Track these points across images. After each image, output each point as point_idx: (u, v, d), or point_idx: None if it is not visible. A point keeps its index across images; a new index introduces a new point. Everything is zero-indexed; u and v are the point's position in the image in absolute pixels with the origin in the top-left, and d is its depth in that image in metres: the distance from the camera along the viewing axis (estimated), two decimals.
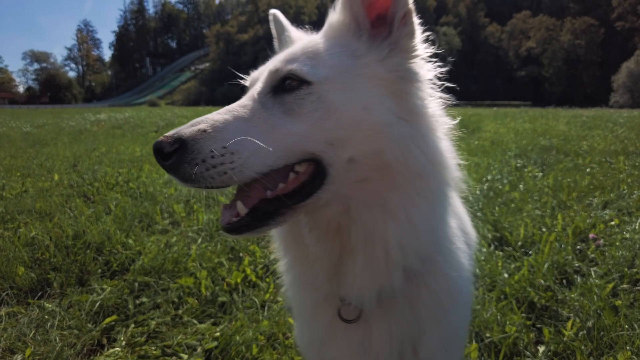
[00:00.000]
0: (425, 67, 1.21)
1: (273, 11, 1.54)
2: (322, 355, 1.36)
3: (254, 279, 3.10)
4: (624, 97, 65.89)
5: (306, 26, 1.45)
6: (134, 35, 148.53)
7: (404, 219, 1.09)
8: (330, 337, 1.31)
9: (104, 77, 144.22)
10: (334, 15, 1.22)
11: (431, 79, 1.22)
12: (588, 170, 6.64)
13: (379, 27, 1.17)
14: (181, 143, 1.00)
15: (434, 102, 1.21)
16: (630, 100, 63.22)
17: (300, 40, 1.33)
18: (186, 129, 1.02)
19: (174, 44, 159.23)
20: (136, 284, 2.99)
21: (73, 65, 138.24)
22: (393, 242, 1.10)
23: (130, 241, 3.63)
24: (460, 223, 1.37)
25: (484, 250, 3.52)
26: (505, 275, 3.07)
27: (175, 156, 1.00)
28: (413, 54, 1.17)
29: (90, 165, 7.52)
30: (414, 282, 1.19)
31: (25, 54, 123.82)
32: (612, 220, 4.13)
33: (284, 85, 1.11)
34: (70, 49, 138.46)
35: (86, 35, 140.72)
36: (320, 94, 1.08)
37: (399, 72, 1.14)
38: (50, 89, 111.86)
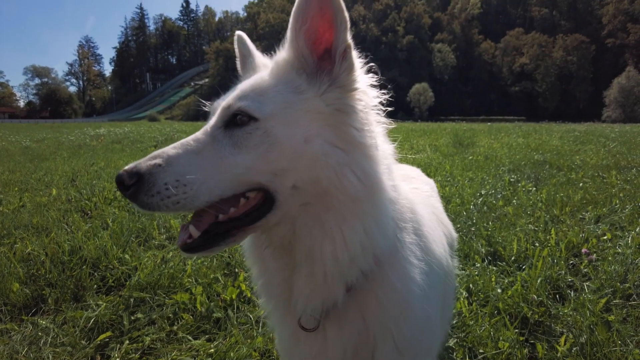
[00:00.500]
0: (366, 97, 1.30)
1: (239, 33, 1.63)
2: None
3: (249, 294, 3.11)
4: (616, 111, 66.77)
5: (272, 52, 1.50)
6: (135, 51, 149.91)
7: (338, 238, 1.21)
8: (294, 345, 1.42)
9: (104, 92, 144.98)
10: (281, 54, 1.33)
11: (374, 107, 1.32)
12: (581, 184, 6.72)
13: (327, 60, 1.28)
14: (139, 177, 1.12)
15: (372, 130, 1.29)
16: (622, 115, 64.06)
17: (262, 69, 1.47)
18: (144, 163, 1.15)
19: (174, 60, 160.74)
20: (132, 300, 3.00)
21: (74, 80, 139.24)
22: (329, 258, 1.21)
23: (127, 256, 3.65)
24: (420, 241, 1.44)
25: (478, 265, 3.55)
26: (499, 290, 3.09)
27: (134, 188, 1.12)
28: (352, 87, 1.26)
29: (88, 180, 7.54)
30: (361, 295, 1.30)
31: (27, 69, 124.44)
32: (604, 234, 4.18)
33: (235, 120, 1.22)
34: (71, 65, 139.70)
35: (87, 51, 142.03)
36: (267, 129, 1.19)
37: (336, 105, 1.24)
38: (50, 103, 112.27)
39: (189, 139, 1.22)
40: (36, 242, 3.97)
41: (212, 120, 1.28)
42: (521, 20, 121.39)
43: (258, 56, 1.55)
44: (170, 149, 1.18)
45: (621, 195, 5.83)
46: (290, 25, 1.27)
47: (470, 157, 10.48)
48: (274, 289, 1.38)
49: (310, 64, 1.28)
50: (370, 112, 1.30)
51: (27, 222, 4.73)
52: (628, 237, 4.01)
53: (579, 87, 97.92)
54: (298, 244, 1.25)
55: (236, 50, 1.63)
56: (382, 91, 1.34)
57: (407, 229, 1.39)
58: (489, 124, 38.26)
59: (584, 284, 3.18)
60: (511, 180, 7.30)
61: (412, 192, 1.63)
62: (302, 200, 1.22)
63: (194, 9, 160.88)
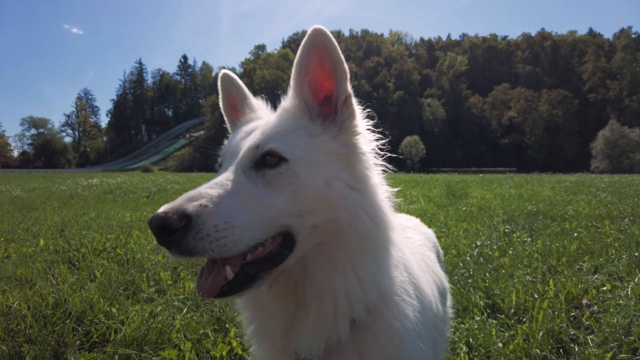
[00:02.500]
0: (367, 141, 1.42)
1: (225, 71, 1.66)
2: None
3: (240, 351, 2.96)
4: (604, 162, 68.47)
5: (262, 95, 1.63)
6: (132, 104, 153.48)
7: (350, 274, 1.25)
8: None
9: (99, 143, 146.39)
10: (288, 101, 1.43)
11: (373, 150, 1.43)
12: (575, 234, 6.71)
13: (327, 106, 1.39)
14: (188, 219, 1.06)
15: (376, 171, 1.41)
16: (609, 165, 65.65)
17: (264, 115, 1.56)
18: (188, 205, 1.09)
19: (170, 113, 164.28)
20: (116, 357, 2.83)
21: (70, 131, 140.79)
22: (340, 294, 1.24)
23: (114, 310, 3.50)
24: (412, 278, 1.50)
25: (477, 318, 3.44)
26: (500, 344, 2.98)
27: (181, 231, 1.06)
28: (356, 131, 1.38)
29: (78, 231, 7.41)
30: (360, 331, 1.31)
31: (24, 119, 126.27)
32: (603, 285, 4.11)
33: (265, 161, 1.26)
34: (68, 116, 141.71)
35: (85, 103, 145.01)
36: (295, 170, 1.25)
37: (348, 147, 1.35)
38: (44, 153, 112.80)
39: (222, 178, 1.22)
40: (18, 295, 3.81)
41: (238, 160, 1.29)
42: (507, 76, 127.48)
43: (252, 97, 1.64)
44: (209, 190, 1.16)
45: (616, 245, 5.82)
46: (293, 76, 1.38)
47: (464, 208, 10.52)
48: (271, 331, 1.35)
49: (315, 110, 1.39)
50: (371, 153, 1.41)
51: (11, 273, 4.57)
52: (628, 288, 3.94)
53: (566, 139, 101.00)
54: (309, 282, 1.27)
55: (220, 88, 1.66)
56: (379, 137, 1.45)
57: (398, 267, 1.44)
58: (480, 175, 38.85)
59: (588, 337, 3.07)
60: (506, 230, 7.29)
61: (404, 240, 1.67)
62: (318, 239, 1.27)
63: (192, 64, 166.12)
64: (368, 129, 1.43)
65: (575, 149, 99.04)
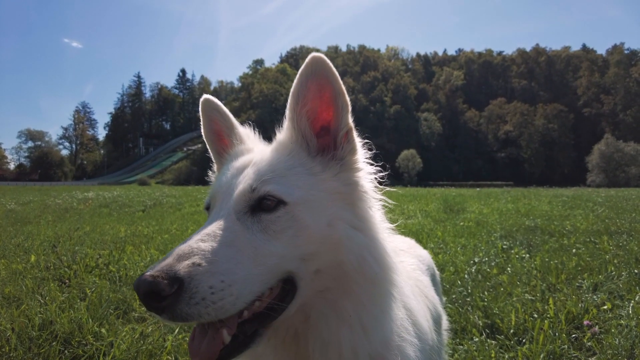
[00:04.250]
0: (368, 177, 1.34)
1: (207, 97, 1.54)
2: None
3: None
4: (600, 176, 68.77)
5: (250, 122, 1.53)
6: (130, 117, 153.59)
7: (357, 325, 1.17)
8: None
9: (96, 156, 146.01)
10: (283, 134, 1.34)
11: (373, 186, 1.34)
12: (574, 250, 6.65)
13: (324, 137, 1.30)
14: (180, 283, 0.95)
15: (377, 208, 1.33)
16: (605, 179, 65.92)
17: (253, 146, 1.45)
18: (179, 265, 0.98)
19: (168, 126, 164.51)
20: None
21: (67, 144, 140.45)
22: (346, 347, 1.16)
23: (104, 330, 3.39)
24: (410, 314, 1.42)
25: (476, 339, 3.36)
26: None
27: (172, 297, 0.94)
28: (357, 167, 1.30)
29: (71, 246, 7.29)
30: None
31: (21, 132, 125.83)
32: (604, 304, 4.04)
33: (261, 205, 1.17)
34: (66, 129, 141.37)
35: (83, 116, 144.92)
36: (294, 214, 1.16)
37: (350, 185, 1.27)
38: (41, 166, 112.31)
39: (214, 227, 1.10)
40: (4, 314, 3.70)
41: (232, 204, 1.18)
42: (503, 90, 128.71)
43: (239, 126, 1.53)
44: (201, 243, 1.04)
45: (615, 261, 5.76)
46: (289, 106, 1.28)
47: (462, 223, 10.46)
48: None
49: (314, 144, 1.30)
50: (372, 190, 1.33)
51: None
52: (629, 307, 3.87)
53: (562, 153, 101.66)
54: (312, 333, 1.19)
55: (202, 115, 1.54)
56: (376, 165, 1.37)
57: (397, 304, 1.35)
58: (477, 189, 38.87)
59: (590, 359, 3.00)
60: (504, 247, 7.22)
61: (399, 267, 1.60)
62: (322, 285, 1.19)
63: (190, 78, 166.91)
64: (367, 162, 1.35)
65: (571, 163, 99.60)
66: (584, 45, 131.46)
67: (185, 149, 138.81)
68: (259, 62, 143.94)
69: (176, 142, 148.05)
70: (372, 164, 1.36)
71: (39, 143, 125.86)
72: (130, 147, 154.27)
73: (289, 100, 1.29)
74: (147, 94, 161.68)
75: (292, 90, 1.27)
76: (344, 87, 1.24)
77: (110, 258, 6.21)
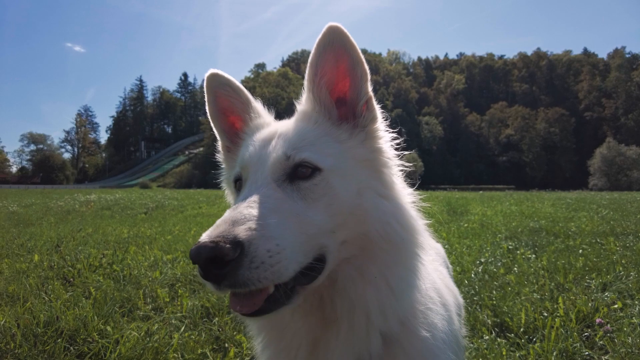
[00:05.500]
0: (390, 144, 1.34)
1: (214, 71, 1.46)
2: None
3: None
4: (602, 180, 68.63)
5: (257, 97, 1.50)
6: (131, 121, 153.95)
7: (383, 286, 1.16)
8: None
9: (97, 159, 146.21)
10: (305, 105, 1.33)
11: (395, 153, 1.35)
12: (580, 251, 6.60)
13: (341, 109, 1.31)
14: (241, 247, 0.94)
15: (398, 174, 1.34)
16: (607, 183, 65.76)
17: (269, 120, 1.44)
18: (236, 229, 0.97)
19: (169, 130, 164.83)
20: None
21: (69, 147, 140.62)
22: (373, 307, 1.16)
23: (109, 328, 3.36)
24: (433, 284, 1.43)
25: (486, 337, 3.32)
26: None
27: (235, 262, 0.93)
28: (378, 134, 1.31)
29: (74, 246, 7.26)
30: (390, 346, 1.22)
31: (24, 135, 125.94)
32: (614, 303, 3.99)
33: (297, 172, 1.17)
34: (67, 132, 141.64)
35: (85, 120, 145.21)
36: (328, 180, 1.17)
37: (375, 152, 1.28)
38: (43, 169, 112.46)
39: (259, 194, 1.09)
40: (9, 312, 3.67)
41: (268, 172, 1.17)
42: (504, 94, 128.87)
43: (255, 101, 1.49)
44: (250, 209, 1.03)
45: (623, 262, 5.70)
46: (308, 76, 1.28)
47: (466, 225, 10.41)
48: (295, 352, 1.23)
49: (334, 114, 1.30)
50: (395, 156, 1.34)
51: (3, 290, 4.43)
52: (639, 306, 3.83)
53: (563, 157, 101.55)
54: (338, 296, 1.19)
55: (207, 91, 1.48)
56: (395, 136, 1.38)
57: (424, 269, 1.34)
58: (480, 192, 38.80)
59: (603, 357, 2.95)
60: (509, 247, 7.17)
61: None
62: (347, 254, 1.19)
63: (192, 81, 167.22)
64: (387, 130, 1.35)
65: (573, 167, 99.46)
66: (585, 49, 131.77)
67: (186, 152, 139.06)
68: (261, 66, 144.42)
69: (178, 145, 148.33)
70: (389, 131, 1.36)
71: (41, 146, 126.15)
72: (132, 150, 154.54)
73: (307, 71, 1.28)
74: (149, 97, 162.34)
75: (310, 60, 1.26)
76: (362, 56, 1.23)
77: (113, 258, 6.18)
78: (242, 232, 0.96)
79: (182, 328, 3.47)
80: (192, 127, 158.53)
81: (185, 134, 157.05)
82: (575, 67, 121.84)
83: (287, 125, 1.33)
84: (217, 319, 3.70)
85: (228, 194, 1.52)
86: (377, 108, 1.32)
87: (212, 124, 1.54)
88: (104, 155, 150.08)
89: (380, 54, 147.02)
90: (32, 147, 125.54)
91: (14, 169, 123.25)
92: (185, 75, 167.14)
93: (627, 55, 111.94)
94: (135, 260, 6.05)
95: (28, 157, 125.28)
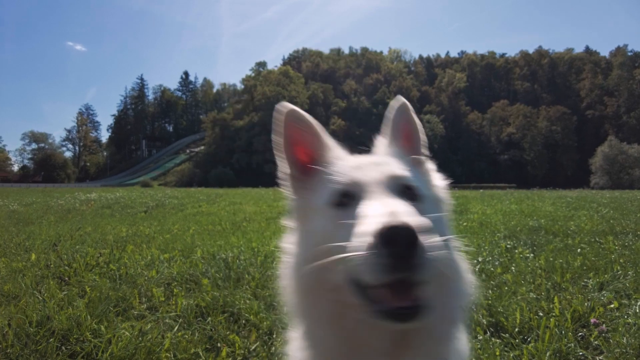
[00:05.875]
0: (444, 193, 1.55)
1: (291, 107, 1.49)
2: None
3: None
4: (603, 178, 68.48)
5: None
6: (132, 119, 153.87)
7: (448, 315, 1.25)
8: None
9: (99, 158, 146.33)
10: (389, 144, 1.54)
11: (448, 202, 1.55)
12: (579, 250, 6.58)
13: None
14: (425, 233, 0.97)
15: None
16: (609, 181, 65.62)
17: (341, 152, 1.56)
18: (408, 218, 0.97)
19: (170, 128, 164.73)
20: None
21: (70, 146, 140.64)
22: (443, 336, 1.23)
23: (102, 327, 3.35)
24: None
25: (480, 337, 3.30)
26: None
27: (423, 248, 0.95)
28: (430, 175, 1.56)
29: (71, 245, 7.27)
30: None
31: (25, 134, 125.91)
32: (610, 303, 3.97)
33: (405, 192, 1.26)
34: (69, 131, 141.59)
35: (86, 118, 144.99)
36: (424, 207, 1.26)
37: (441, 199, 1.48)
38: (44, 168, 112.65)
39: (393, 201, 1.14)
40: (2, 311, 3.67)
41: (386, 190, 1.23)
42: (505, 93, 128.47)
43: (325, 135, 1.52)
44: (400, 205, 1.08)
45: (621, 261, 5.68)
46: (392, 129, 1.56)
47: (465, 224, 10.40)
48: (369, 352, 1.20)
49: (407, 160, 1.46)
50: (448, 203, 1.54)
51: None
52: (636, 306, 3.81)
53: (565, 156, 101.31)
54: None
55: (285, 125, 1.46)
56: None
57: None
58: (480, 191, 38.74)
59: (597, 357, 2.93)
60: (507, 246, 7.15)
61: None
62: None
63: (193, 80, 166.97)
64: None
65: (575, 165, 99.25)
66: (587, 48, 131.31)
67: (188, 151, 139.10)
68: (262, 65, 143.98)
69: (179, 144, 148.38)
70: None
71: (43, 145, 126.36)
72: (133, 149, 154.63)
73: (390, 126, 1.57)
74: (150, 96, 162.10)
75: (392, 118, 1.57)
76: (420, 126, 1.59)
77: (110, 257, 6.18)
78: (415, 221, 0.96)
79: (176, 327, 3.46)
80: (193, 126, 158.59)
81: (186, 132, 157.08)
82: (577, 66, 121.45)
83: (379, 155, 1.51)
84: (210, 318, 3.70)
85: (308, 215, 1.42)
86: (429, 162, 1.60)
87: (283, 155, 1.50)
88: (105, 154, 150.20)
89: (381, 52, 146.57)
90: (34, 145, 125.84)
91: (15, 168, 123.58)
92: (186, 73, 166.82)
93: (629, 54, 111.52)
94: (132, 259, 6.05)
95: (29, 156, 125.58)
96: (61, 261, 5.83)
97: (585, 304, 3.88)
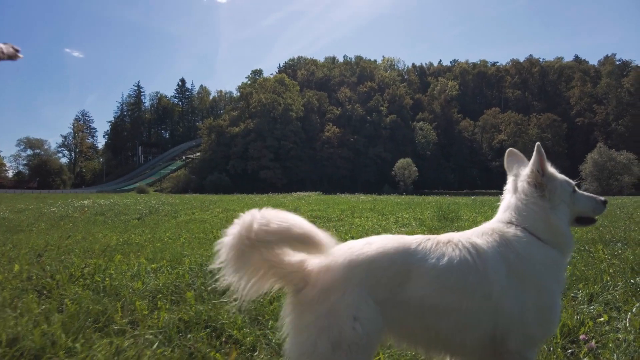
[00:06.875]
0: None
1: (512, 149, 2.79)
2: None
3: None
4: (593, 185, 69.07)
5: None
6: (129, 126, 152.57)
7: None
8: None
9: (95, 164, 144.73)
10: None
11: None
12: (569, 260, 6.54)
13: None
14: None
15: None
16: (599, 188, 66.20)
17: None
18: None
19: (167, 135, 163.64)
20: None
21: (66, 152, 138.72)
22: None
23: (78, 345, 3.24)
24: None
25: None
26: None
27: None
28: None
29: (58, 255, 7.12)
30: None
31: (20, 140, 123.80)
32: (600, 316, 3.93)
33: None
34: (65, 137, 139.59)
35: (82, 125, 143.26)
36: None
37: None
38: (40, 174, 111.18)
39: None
40: None
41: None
42: (497, 100, 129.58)
43: (524, 161, 2.72)
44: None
45: (611, 271, 5.65)
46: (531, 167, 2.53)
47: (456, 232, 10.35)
48: None
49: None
50: None
51: None
52: (625, 319, 3.76)
53: (556, 162, 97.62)
54: None
55: (507, 158, 2.74)
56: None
57: None
58: (472, 197, 38.83)
59: None
60: None
61: None
62: None
63: (189, 87, 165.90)
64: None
65: (565, 172, 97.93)
66: (576, 56, 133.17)
67: (183, 157, 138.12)
68: (258, 72, 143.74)
69: (175, 150, 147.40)
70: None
71: (38, 151, 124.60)
72: (129, 155, 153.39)
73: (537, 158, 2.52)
74: (147, 103, 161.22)
75: (536, 162, 2.52)
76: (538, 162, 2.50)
77: (96, 267, 6.04)
78: None
79: (156, 344, 3.36)
80: (190, 133, 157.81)
81: (182, 139, 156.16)
82: (567, 74, 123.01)
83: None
84: (191, 334, 3.59)
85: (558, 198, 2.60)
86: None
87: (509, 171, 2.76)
88: (101, 160, 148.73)
89: (375, 61, 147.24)
90: (29, 151, 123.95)
91: (10, 174, 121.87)
92: (182, 81, 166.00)
93: (618, 62, 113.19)
94: (118, 270, 5.91)
95: (25, 162, 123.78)
96: (44, 273, 5.68)
97: (575, 317, 3.83)
